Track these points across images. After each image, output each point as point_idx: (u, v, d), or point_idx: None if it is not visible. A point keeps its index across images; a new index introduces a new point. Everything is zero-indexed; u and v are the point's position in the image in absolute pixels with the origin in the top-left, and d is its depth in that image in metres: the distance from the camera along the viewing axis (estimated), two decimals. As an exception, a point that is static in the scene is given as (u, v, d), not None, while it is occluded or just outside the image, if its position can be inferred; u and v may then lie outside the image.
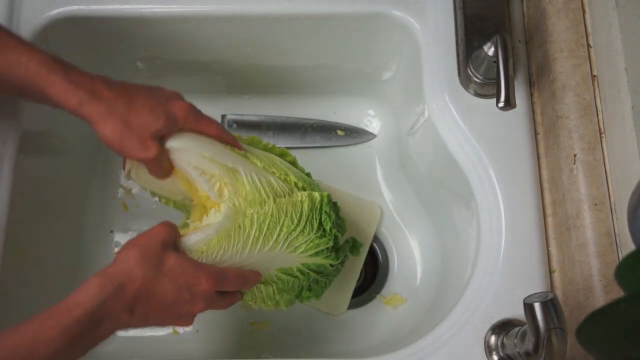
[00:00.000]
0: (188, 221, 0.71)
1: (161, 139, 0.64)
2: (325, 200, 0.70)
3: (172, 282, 0.59)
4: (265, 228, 0.64)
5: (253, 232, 0.64)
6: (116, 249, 0.91)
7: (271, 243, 0.65)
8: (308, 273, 0.72)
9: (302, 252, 0.69)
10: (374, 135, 0.96)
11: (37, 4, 0.76)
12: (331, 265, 0.73)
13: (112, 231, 0.92)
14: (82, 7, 0.76)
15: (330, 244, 0.71)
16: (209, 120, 0.68)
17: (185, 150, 0.65)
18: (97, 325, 0.55)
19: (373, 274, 0.92)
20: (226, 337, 0.87)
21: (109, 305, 0.56)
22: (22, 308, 0.78)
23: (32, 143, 0.79)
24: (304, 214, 0.67)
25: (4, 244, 0.71)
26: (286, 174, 0.70)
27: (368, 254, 0.91)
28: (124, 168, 0.69)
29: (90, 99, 0.60)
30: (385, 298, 0.89)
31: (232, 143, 0.69)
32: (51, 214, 0.86)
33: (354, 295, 0.89)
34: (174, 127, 0.65)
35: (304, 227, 0.68)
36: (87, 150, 0.94)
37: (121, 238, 0.92)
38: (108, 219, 0.93)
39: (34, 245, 0.81)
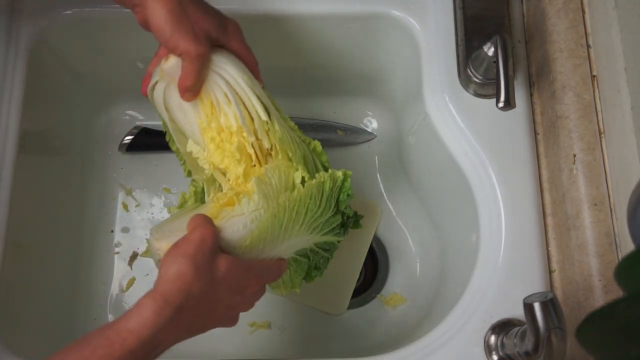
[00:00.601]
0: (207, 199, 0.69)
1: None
2: (348, 179, 0.68)
3: (227, 290, 0.56)
4: (294, 214, 0.62)
5: (285, 220, 0.62)
6: (116, 249, 0.91)
7: (297, 228, 0.63)
8: (318, 252, 0.71)
9: (317, 232, 0.67)
10: (374, 135, 0.97)
11: (38, 5, 0.76)
12: (338, 242, 0.72)
13: (112, 231, 0.92)
14: (82, 8, 0.76)
15: (340, 221, 0.70)
16: (249, 48, 0.66)
17: (227, 64, 0.63)
18: (152, 352, 0.51)
19: (373, 274, 0.92)
20: (226, 337, 0.87)
21: (167, 331, 0.51)
22: (24, 307, 0.78)
23: (32, 143, 0.79)
24: (324, 195, 0.65)
25: (4, 244, 0.71)
26: (303, 134, 0.69)
27: (368, 254, 0.91)
28: (144, 86, 0.66)
29: None
30: (385, 298, 0.89)
31: (261, 82, 0.67)
32: (51, 214, 0.86)
33: (354, 295, 0.90)
34: (222, 36, 0.63)
35: (324, 208, 0.66)
36: (86, 150, 0.95)
37: (121, 238, 0.92)
38: (108, 219, 0.93)
39: (34, 245, 0.81)
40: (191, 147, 0.66)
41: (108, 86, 0.93)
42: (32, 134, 0.78)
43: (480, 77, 0.71)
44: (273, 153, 0.66)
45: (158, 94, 0.65)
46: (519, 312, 0.65)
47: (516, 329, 0.61)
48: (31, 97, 0.75)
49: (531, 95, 0.74)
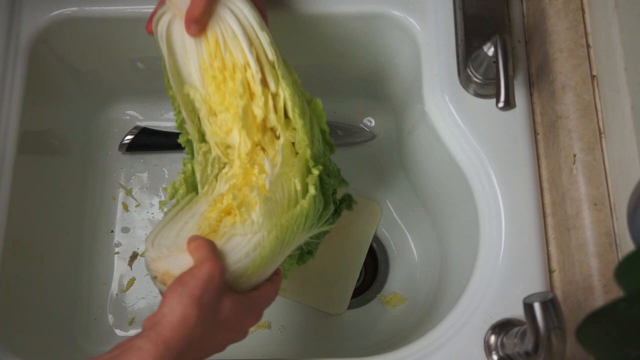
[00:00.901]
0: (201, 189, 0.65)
1: None
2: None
3: (228, 330, 0.56)
4: (295, 227, 0.61)
5: (287, 237, 0.60)
6: (117, 249, 0.91)
7: (297, 237, 0.62)
8: (310, 242, 0.71)
9: (314, 229, 0.66)
10: (374, 135, 0.96)
11: (38, 4, 0.76)
12: (330, 229, 0.72)
13: (112, 231, 0.92)
14: (82, 7, 0.76)
15: (333, 209, 0.69)
16: None
17: (240, 2, 0.61)
18: None
19: (373, 274, 0.92)
20: (226, 337, 0.87)
21: None
22: (24, 307, 0.78)
23: (32, 143, 0.79)
24: (321, 195, 0.64)
25: (4, 244, 0.71)
26: (305, 91, 0.67)
27: (368, 254, 0.91)
28: (149, 23, 0.64)
29: None
30: (385, 298, 0.89)
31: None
32: (51, 214, 0.86)
33: (354, 295, 0.90)
34: None
35: (322, 209, 0.65)
36: (86, 150, 0.95)
37: (121, 238, 0.92)
38: (108, 219, 0.93)
39: (34, 245, 0.81)
40: (188, 89, 0.63)
41: (108, 86, 0.93)
42: (32, 134, 0.78)
43: (480, 77, 0.71)
44: (277, 101, 0.63)
45: (162, 26, 0.62)
46: (519, 312, 0.65)
47: (516, 329, 0.61)
48: (31, 97, 0.75)
49: (531, 95, 0.74)
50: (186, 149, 0.70)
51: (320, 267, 0.90)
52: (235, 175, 0.64)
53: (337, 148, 0.96)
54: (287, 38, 0.82)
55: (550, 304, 0.51)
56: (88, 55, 0.85)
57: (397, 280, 0.91)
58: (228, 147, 0.64)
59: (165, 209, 0.67)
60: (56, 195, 0.87)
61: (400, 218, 0.93)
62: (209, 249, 0.56)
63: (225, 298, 0.54)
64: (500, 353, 0.63)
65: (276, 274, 0.63)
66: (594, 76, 0.67)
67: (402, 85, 0.87)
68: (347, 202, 0.76)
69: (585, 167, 0.64)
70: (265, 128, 0.64)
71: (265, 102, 0.62)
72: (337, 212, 0.72)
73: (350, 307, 0.89)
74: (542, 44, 0.72)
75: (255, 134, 0.63)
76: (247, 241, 0.58)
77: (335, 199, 0.70)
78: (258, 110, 0.62)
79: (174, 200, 0.68)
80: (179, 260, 0.57)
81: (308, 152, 0.64)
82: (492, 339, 0.64)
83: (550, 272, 0.68)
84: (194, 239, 0.57)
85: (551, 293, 0.53)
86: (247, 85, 0.61)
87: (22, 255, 0.77)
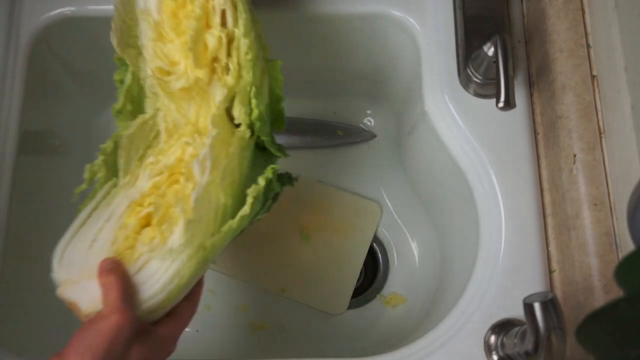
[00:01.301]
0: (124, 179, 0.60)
1: None
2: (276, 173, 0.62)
3: None
4: (222, 244, 0.57)
5: (210, 257, 0.56)
6: (116, 249, 0.91)
7: (223, 248, 0.58)
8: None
9: (245, 228, 0.62)
10: (374, 135, 0.96)
11: (37, 4, 0.76)
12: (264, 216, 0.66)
13: (112, 231, 0.92)
14: (81, 7, 0.76)
15: (270, 202, 0.64)
16: None
17: None
18: None
19: (373, 274, 0.92)
20: (226, 337, 0.87)
21: None
22: (24, 307, 0.78)
23: (32, 143, 0.79)
24: (258, 199, 0.59)
25: (3, 244, 0.71)
26: (267, 46, 0.63)
27: (368, 254, 0.91)
28: None
29: None
30: (385, 298, 0.89)
31: None
32: (51, 214, 0.86)
33: (354, 295, 0.90)
34: None
35: (256, 212, 0.61)
36: (87, 150, 0.94)
37: (121, 238, 0.92)
38: (108, 219, 0.93)
39: (34, 245, 0.81)
40: (140, 13, 0.59)
41: (108, 86, 0.93)
42: (32, 134, 0.78)
43: (480, 77, 0.71)
44: (233, 45, 0.58)
45: None
46: (519, 312, 0.65)
47: (516, 329, 0.61)
48: (31, 97, 0.75)
49: (531, 95, 0.74)
50: (118, 89, 0.63)
51: (321, 267, 0.90)
52: (159, 170, 0.58)
53: (337, 148, 0.96)
54: (287, 38, 0.82)
55: (550, 304, 0.51)
56: (88, 55, 0.85)
57: (397, 280, 0.91)
58: (168, 73, 0.59)
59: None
60: (56, 195, 0.87)
61: (400, 218, 0.93)
62: (119, 295, 0.51)
63: (134, 348, 0.50)
64: (500, 353, 0.63)
65: (197, 285, 0.58)
66: (594, 76, 0.67)
67: (402, 85, 0.87)
68: (286, 184, 0.69)
69: (585, 167, 0.64)
70: (213, 69, 0.59)
71: (220, 38, 0.58)
72: (274, 200, 0.66)
73: (350, 307, 0.89)
74: (542, 44, 0.72)
75: (202, 67, 0.58)
76: (164, 269, 0.53)
77: (274, 187, 0.64)
78: (211, 40, 0.58)
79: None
80: (88, 291, 0.53)
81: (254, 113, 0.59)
82: (492, 339, 0.64)
83: (550, 272, 0.68)
84: (105, 269, 0.53)
85: (551, 293, 0.53)
86: (206, 12, 0.57)
87: (22, 255, 0.77)
